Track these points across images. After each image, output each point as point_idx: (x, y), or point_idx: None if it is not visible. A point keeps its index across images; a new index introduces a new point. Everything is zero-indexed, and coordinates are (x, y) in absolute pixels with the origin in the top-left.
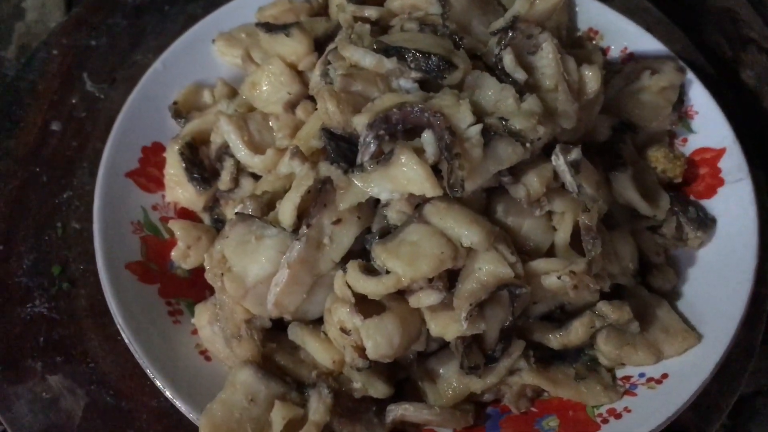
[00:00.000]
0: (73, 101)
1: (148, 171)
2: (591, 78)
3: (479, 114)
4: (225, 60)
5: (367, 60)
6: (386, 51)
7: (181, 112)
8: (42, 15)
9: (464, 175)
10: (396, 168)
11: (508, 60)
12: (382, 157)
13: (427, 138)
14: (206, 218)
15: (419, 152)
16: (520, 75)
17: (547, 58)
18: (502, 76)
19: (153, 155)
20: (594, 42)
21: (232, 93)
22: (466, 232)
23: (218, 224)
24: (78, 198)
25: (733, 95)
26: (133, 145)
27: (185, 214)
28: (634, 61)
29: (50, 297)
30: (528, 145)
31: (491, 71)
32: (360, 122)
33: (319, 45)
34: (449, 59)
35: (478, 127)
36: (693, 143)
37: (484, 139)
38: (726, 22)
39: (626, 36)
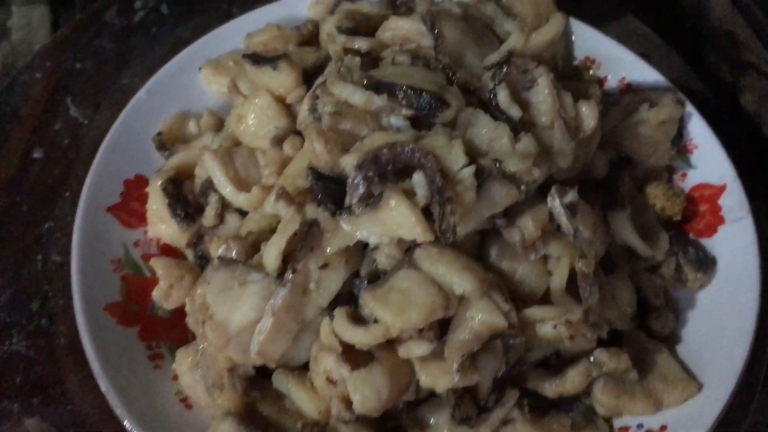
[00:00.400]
0: (57, 127)
1: (130, 205)
2: (588, 114)
3: (472, 154)
4: (212, 88)
5: (357, 97)
6: (376, 87)
7: (165, 143)
8: (27, 34)
9: (456, 221)
10: (385, 212)
11: (503, 96)
12: (371, 201)
13: (418, 180)
14: (190, 254)
15: (410, 194)
16: (515, 111)
17: (542, 93)
18: (497, 113)
19: (136, 189)
20: (591, 71)
21: (219, 124)
22: (458, 279)
23: (202, 261)
24: (59, 229)
25: (733, 123)
26: (115, 178)
27: (168, 250)
28: (632, 92)
29: (28, 334)
30: (523, 187)
31: (485, 106)
32: (348, 163)
33: (308, 76)
34: (441, 96)
35: (471, 169)
36: (692, 178)
37: (478, 180)
38: (726, 45)
39: (624, 65)
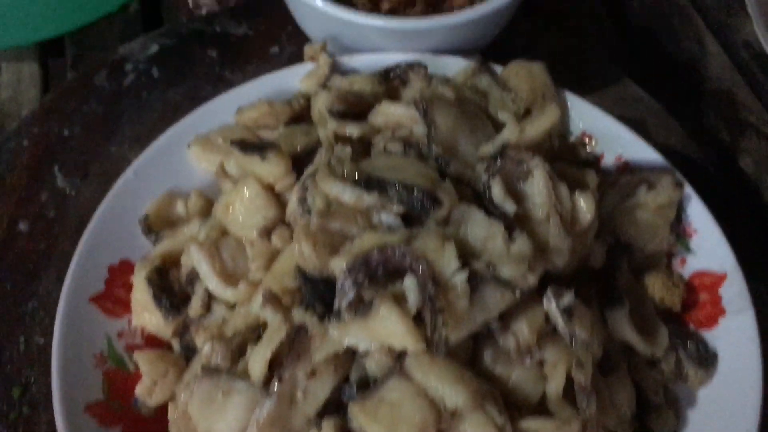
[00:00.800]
0: (43, 198)
1: (114, 293)
2: (584, 208)
3: (466, 255)
4: (201, 166)
5: (347, 196)
6: (367, 183)
7: (152, 227)
8: (17, 92)
9: (448, 333)
10: (376, 320)
11: (497, 191)
12: (361, 307)
13: (410, 285)
14: (176, 344)
15: (401, 300)
16: (510, 207)
17: (538, 186)
18: (490, 206)
19: (120, 275)
20: (587, 148)
21: (207, 206)
22: (451, 391)
23: (188, 352)
24: (43, 308)
25: (733, 191)
26: (99, 265)
27: (153, 339)
28: (629, 172)
29: (9, 423)
30: (518, 293)
31: (479, 197)
32: (338, 266)
33: (299, 161)
34: (434, 194)
35: (464, 275)
36: (692, 264)
37: (471, 284)
38: (724, 104)
39: (621, 143)
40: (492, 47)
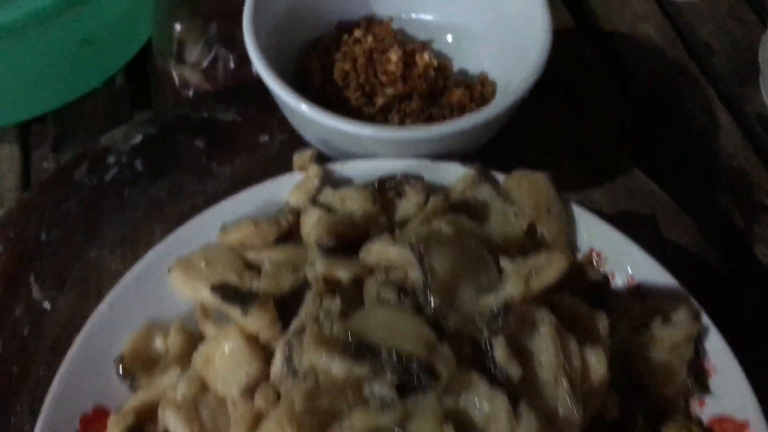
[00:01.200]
0: (17, 313)
1: None
2: (596, 365)
3: None
4: (183, 294)
5: (335, 368)
6: (358, 350)
7: (128, 369)
8: None
9: None
10: None
11: (500, 353)
12: None
13: None
14: None
15: None
16: (514, 371)
17: (545, 342)
18: (492, 367)
19: (94, 425)
20: (596, 263)
21: (188, 343)
22: None
23: None
24: None
25: (749, 290)
26: (71, 416)
27: None
28: (641, 296)
29: None
30: None
31: (480, 352)
32: None
33: (285, 303)
34: (431, 365)
35: None
36: (711, 407)
37: None
38: (737, 184)
39: (632, 263)
40: (493, 138)
